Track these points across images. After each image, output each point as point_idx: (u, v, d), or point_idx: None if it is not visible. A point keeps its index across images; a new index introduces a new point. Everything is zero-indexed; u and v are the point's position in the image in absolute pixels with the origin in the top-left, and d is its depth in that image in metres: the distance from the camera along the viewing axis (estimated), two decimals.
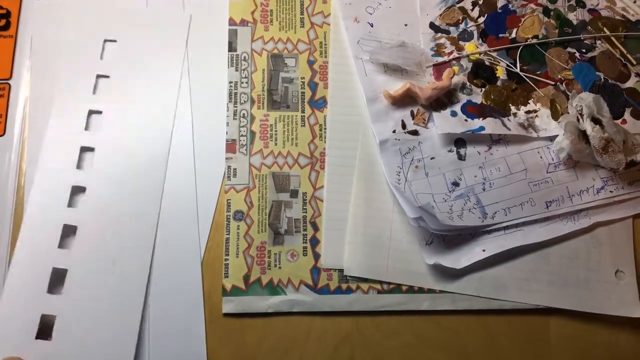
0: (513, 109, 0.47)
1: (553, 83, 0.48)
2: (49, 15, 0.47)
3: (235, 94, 0.47)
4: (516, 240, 0.44)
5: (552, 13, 0.50)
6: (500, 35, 0.49)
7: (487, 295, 0.43)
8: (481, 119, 0.46)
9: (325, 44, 0.48)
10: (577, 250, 0.44)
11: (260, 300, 0.42)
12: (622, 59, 0.49)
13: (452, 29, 0.49)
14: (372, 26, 0.48)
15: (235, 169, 0.45)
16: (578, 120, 0.44)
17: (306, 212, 0.44)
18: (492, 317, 0.43)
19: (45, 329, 0.40)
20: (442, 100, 0.46)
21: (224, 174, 0.45)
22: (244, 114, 0.46)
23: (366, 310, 0.43)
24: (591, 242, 0.44)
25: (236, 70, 0.47)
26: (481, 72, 0.48)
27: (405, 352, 0.42)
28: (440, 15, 0.50)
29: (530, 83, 0.48)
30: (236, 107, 0.46)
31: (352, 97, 0.47)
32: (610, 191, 0.45)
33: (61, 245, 0.42)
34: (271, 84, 0.47)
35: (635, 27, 0.50)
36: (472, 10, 0.50)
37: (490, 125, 0.45)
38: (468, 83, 0.47)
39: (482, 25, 0.49)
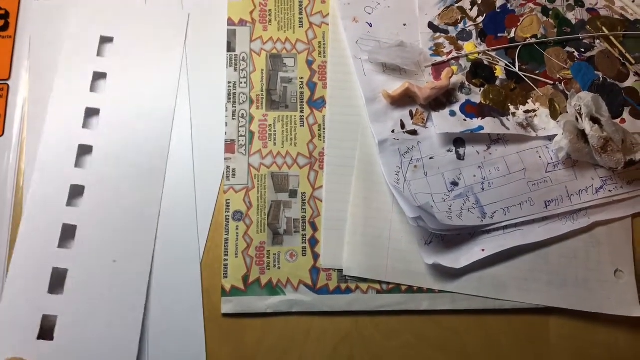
0: (512, 108, 0.47)
1: (552, 82, 0.48)
2: (48, 16, 0.47)
3: (234, 94, 0.47)
4: (515, 239, 0.44)
5: (550, 12, 0.50)
6: (499, 34, 0.49)
7: (486, 295, 0.43)
8: (480, 118, 0.46)
9: (324, 44, 0.48)
10: (576, 250, 0.44)
11: (259, 301, 0.42)
12: (621, 59, 0.49)
13: (450, 28, 0.49)
14: (370, 26, 0.48)
15: (234, 169, 0.45)
16: (577, 119, 0.44)
17: (305, 212, 0.44)
18: (492, 317, 0.43)
19: (47, 330, 0.40)
20: (441, 100, 0.46)
21: (223, 174, 0.45)
22: (242, 114, 0.46)
23: (365, 310, 0.43)
24: (590, 242, 0.44)
25: (235, 70, 0.47)
26: (480, 72, 0.48)
27: (405, 352, 0.42)
28: (439, 15, 0.50)
29: (529, 83, 0.48)
30: (235, 107, 0.46)
31: (351, 97, 0.47)
32: (609, 190, 0.45)
33: (61, 244, 0.41)
34: (270, 84, 0.47)
35: (634, 26, 0.50)
36: (471, 10, 0.50)
37: (489, 125, 0.45)
38: (467, 83, 0.47)
39: (481, 24, 0.49)
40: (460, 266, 0.43)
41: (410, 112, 0.46)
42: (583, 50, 0.49)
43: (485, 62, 0.48)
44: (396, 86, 0.46)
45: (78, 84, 0.45)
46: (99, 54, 0.46)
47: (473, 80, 0.48)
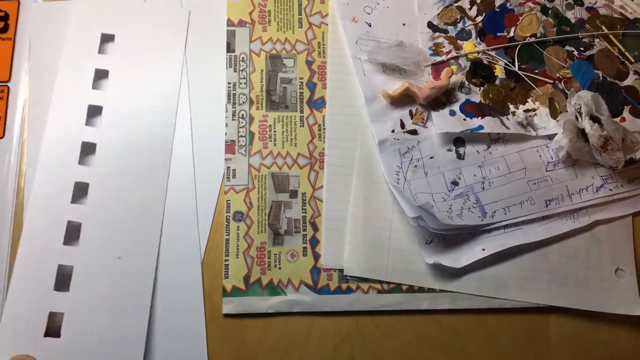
0: (512, 107, 0.47)
1: (551, 81, 0.48)
2: (47, 17, 0.47)
3: (234, 94, 0.47)
4: (516, 239, 0.44)
5: (550, 11, 0.50)
6: (499, 34, 0.49)
7: (487, 294, 0.43)
8: (480, 118, 0.46)
9: (324, 44, 0.48)
10: (577, 249, 0.44)
11: (260, 301, 0.43)
12: (621, 57, 0.49)
13: (450, 28, 0.49)
14: (370, 26, 0.48)
15: (234, 170, 0.45)
16: (577, 118, 0.44)
17: (306, 213, 0.44)
18: (492, 316, 0.43)
19: (53, 327, 0.40)
20: (440, 99, 0.46)
21: (224, 174, 0.45)
22: (242, 115, 0.46)
23: (366, 310, 0.43)
24: (591, 241, 0.44)
25: (234, 71, 0.47)
26: (479, 71, 0.48)
27: (406, 351, 0.43)
28: (438, 14, 0.50)
29: (529, 82, 0.48)
30: (235, 107, 0.46)
31: (350, 97, 0.47)
32: (610, 189, 0.45)
33: (66, 242, 0.42)
34: (270, 84, 0.47)
35: (634, 25, 0.50)
36: (470, 9, 0.50)
37: (489, 124, 0.45)
38: (466, 82, 0.47)
39: (480, 24, 0.49)
40: (460, 265, 0.43)
41: (410, 112, 0.46)
42: (582, 49, 0.49)
43: (485, 62, 0.48)
44: (396, 86, 0.46)
45: (80, 81, 0.45)
46: (100, 51, 0.46)
47: (472, 80, 0.48)
